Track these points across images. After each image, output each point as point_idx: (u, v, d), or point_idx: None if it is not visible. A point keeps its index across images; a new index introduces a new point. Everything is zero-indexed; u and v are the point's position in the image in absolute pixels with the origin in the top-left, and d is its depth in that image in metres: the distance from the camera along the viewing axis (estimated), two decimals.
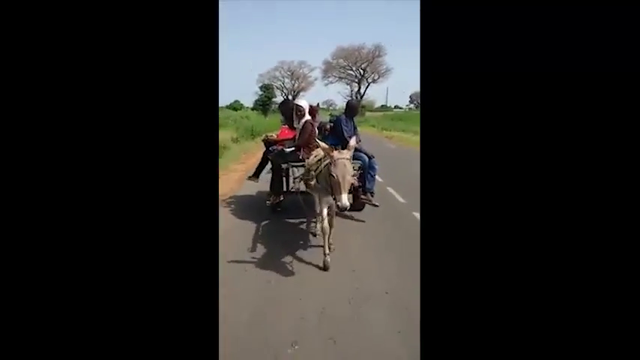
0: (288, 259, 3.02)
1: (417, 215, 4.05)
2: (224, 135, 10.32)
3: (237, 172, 6.60)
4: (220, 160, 6.98)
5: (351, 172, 2.62)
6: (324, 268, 2.85)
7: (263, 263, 2.92)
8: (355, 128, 4.18)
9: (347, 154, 2.71)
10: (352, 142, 2.87)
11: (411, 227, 3.71)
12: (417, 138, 14.59)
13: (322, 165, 2.85)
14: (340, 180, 2.53)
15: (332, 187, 2.65)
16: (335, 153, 2.67)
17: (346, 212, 4.04)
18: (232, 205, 4.51)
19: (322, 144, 2.89)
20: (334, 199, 2.58)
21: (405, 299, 2.35)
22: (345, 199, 2.49)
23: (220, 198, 4.61)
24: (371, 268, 2.89)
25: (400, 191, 5.17)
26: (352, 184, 3.68)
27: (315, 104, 4.10)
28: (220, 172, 5.86)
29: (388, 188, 5.33)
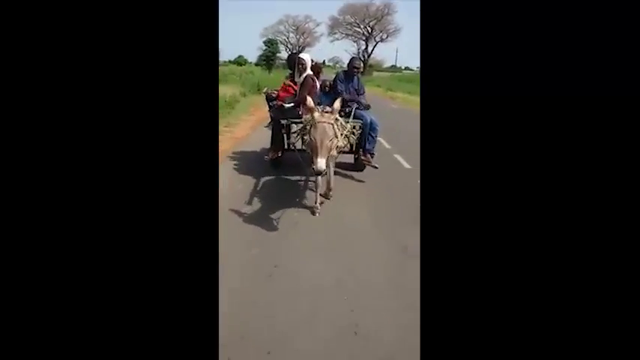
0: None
1: (398, 156, 4.82)
2: (233, 90, 10.76)
3: (249, 122, 7.43)
4: (233, 112, 8.08)
5: (331, 136, 2.50)
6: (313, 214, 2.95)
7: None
8: (361, 87, 3.93)
9: (330, 117, 2.57)
10: (336, 104, 2.70)
11: (392, 164, 4.34)
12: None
13: (307, 125, 2.74)
14: (318, 144, 2.44)
15: (310, 150, 2.56)
16: (317, 115, 2.54)
17: (346, 172, 4.15)
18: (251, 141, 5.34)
19: (309, 101, 2.72)
20: (311, 161, 2.49)
21: None
22: (321, 164, 2.40)
23: (241, 139, 5.61)
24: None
25: (391, 142, 5.53)
26: (351, 144, 3.66)
27: (320, 62, 3.87)
28: (235, 121, 7.15)
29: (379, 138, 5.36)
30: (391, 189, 3.75)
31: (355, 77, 3.88)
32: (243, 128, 6.69)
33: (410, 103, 13.47)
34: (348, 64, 3.98)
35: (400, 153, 4.98)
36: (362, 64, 4.18)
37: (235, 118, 7.47)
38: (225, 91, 9.41)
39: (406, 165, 4.59)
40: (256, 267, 2.20)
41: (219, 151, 5.82)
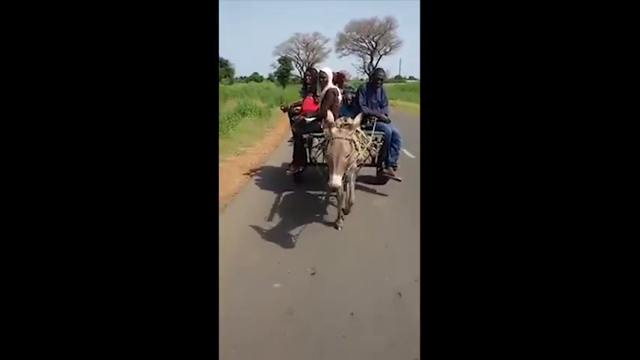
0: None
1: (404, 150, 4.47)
2: (260, 103, 12.44)
3: (286, 122, 7.98)
4: (269, 121, 9.87)
5: (347, 152, 2.34)
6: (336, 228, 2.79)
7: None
8: (384, 98, 3.63)
9: (348, 132, 2.40)
10: (356, 120, 2.51)
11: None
12: (418, 106, 16.06)
13: (327, 139, 2.57)
14: (334, 160, 2.29)
15: (327, 165, 2.42)
16: (334, 130, 2.39)
17: (368, 185, 3.89)
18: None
19: (330, 115, 2.53)
20: (327, 177, 2.35)
21: None
22: (336, 180, 2.24)
23: (282, 135, 6.29)
24: None
25: None
26: (373, 156, 3.42)
27: (345, 72, 3.64)
28: (276, 123, 9.17)
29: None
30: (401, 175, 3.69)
31: (379, 88, 3.60)
32: (282, 127, 8.57)
33: (407, 108, 14.56)
34: (372, 76, 3.74)
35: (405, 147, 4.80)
36: (385, 75, 3.90)
37: (276, 121, 9.66)
38: (255, 103, 11.29)
39: (410, 155, 4.86)
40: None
41: (272, 141, 6.96)
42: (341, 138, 2.35)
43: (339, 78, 3.52)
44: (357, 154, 2.54)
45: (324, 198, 3.52)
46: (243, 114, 8.96)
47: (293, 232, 2.70)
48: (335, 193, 2.84)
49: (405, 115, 10.25)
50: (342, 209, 2.88)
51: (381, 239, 2.62)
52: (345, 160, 2.32)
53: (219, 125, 6.05)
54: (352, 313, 1.76)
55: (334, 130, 2.40)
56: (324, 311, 1.79)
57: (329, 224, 2.90)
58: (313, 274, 2.15)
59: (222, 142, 5.25)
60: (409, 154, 4.95)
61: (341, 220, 2.81)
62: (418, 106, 15.94)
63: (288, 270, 2.18)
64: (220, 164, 4.38)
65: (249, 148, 6.06)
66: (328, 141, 2.44)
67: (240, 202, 3.45)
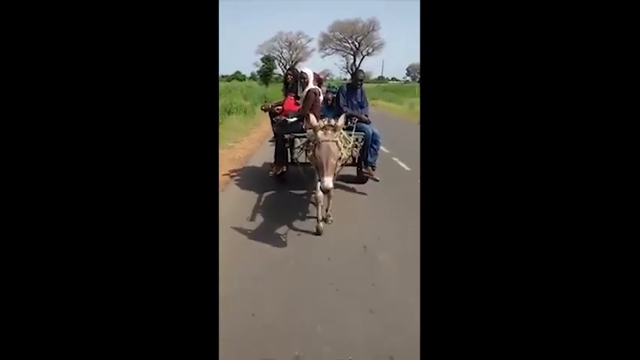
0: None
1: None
2: (244, 101, 12.14)
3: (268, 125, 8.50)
4: (254, 119, 9.66)
5: (336, 154, 2.36)
6: (317, 233, 2.69)
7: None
8: (364, 99, 3.68)
9: (333, 134, 2.41)
10: (340, 120, 2.52)
11: None
12: (398, 106, 16.63)
13: (311, 142, 2.59)
14: (324, 162, 2.30)
15: (316, 168, 2.44)
16: (320, 134, 2.39)
17: (348, 184, 3.91)
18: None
19: (312, 119, 2.51)
20: (319, 180, 2.37)
21: None
22: (328, 182, 2.27)
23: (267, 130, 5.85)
24: None
25: None
26: (354, 157, 3.44)
27: (321, 72, 3.64)
28: (260, 121, 8.69)
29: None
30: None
31: (359, 89, 3.64)
32: (266, 125, 8.92)
33: (387, 108, 15.33)
34: (352, 76, 3.79)
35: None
36: (365, 76, 3.94)
37: (260, 119, 9.18)
38: (240, 102, 11.29)
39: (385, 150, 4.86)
40: None
41: (257, 137, 7.08)
42: (328, 140, 2.36)
43: (317, 79, 3.53)
44: (340, 155, 2.55)
45: (305, 197, 3.52)
46: (229, 112, 9.09)
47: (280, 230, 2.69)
48: (317, 194, 2.80)
49: (387, 115, 11.27)
50: (325, 212, 2.84)
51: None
52: (334, 161, 2.35)
53: None
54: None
55: (320, 133, 2.40)
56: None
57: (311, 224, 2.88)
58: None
59: None
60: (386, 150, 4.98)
61: (321, 224, 2.74)
62: (399, 106, 16.59)
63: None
64: None
65: (237, 144, 6.43)
66: (315, 144, 2.45)
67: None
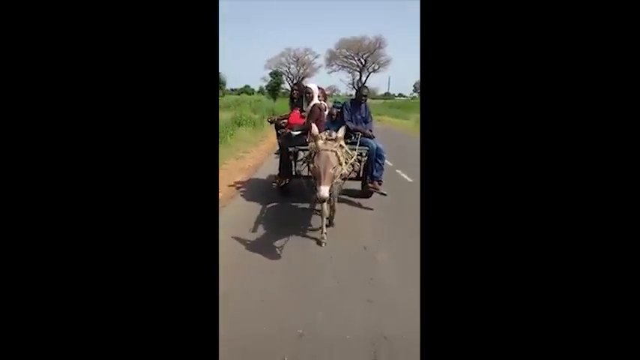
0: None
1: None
2: (252, 114, 12.38)
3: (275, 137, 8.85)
4: (263, 131, 9.91)
5: (334, 164, 2.36)
6: (319, 244, 2.72)
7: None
8: (368, 114, 3.71)
9: (333, 144, 2.43)
10: (340, 132, 2.56)
11: None
12: (404, 122, 17.03)
13: (312, 152, 2.61)
14: (321, 171, 2.29)
15: (314, 177, 2.46)
16: (320, 143, 2.42)
17: (353, 199, 3.89)
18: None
19: (314, 129, 2.56)
20: (315, 188, 2.37)
21: None
22: (324, 191, 2.25)
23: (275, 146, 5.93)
24: None
25: None
26: (357, 171, 3.46)
27: (327, 88, 3.84)
28: (265, 139, 8.78)
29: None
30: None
31: (363, 105, 3.68)
32: (274, 137, 9.77)
33: (392, 124, 15.86)
34: (356, 92, 3.84)
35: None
36: (369, 92, 4.02)
37: (268, 131, 9.16)
38: (250, 115, 11.60)
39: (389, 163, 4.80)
40: None
41: (266, 148, 7.30)
42: (327, 150, 2.37)
43: (324, 94, 3.67)
44: (340, 168, 2.54)
45: (308, 207, 3.54)
46: (239, 124, 9.51)
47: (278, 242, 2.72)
48: (319, 207, 2.83)
49: (393, 130, 11.72)
50: (326, 224, 2.85)
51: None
52: (332, 171, 2.33)
53: (219, 134, 6.73)
54: None
55: (320, 142, 2.43)
56: None
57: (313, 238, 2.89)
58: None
59: (222, 149, 6.08)
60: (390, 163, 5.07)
61: (325, 235, 2.74)
62: (404, 122, 16.91)
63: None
64: (222, 167, 5.18)
65: (247, 154, 6.83)
66: (314, 153, 2.45)
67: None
